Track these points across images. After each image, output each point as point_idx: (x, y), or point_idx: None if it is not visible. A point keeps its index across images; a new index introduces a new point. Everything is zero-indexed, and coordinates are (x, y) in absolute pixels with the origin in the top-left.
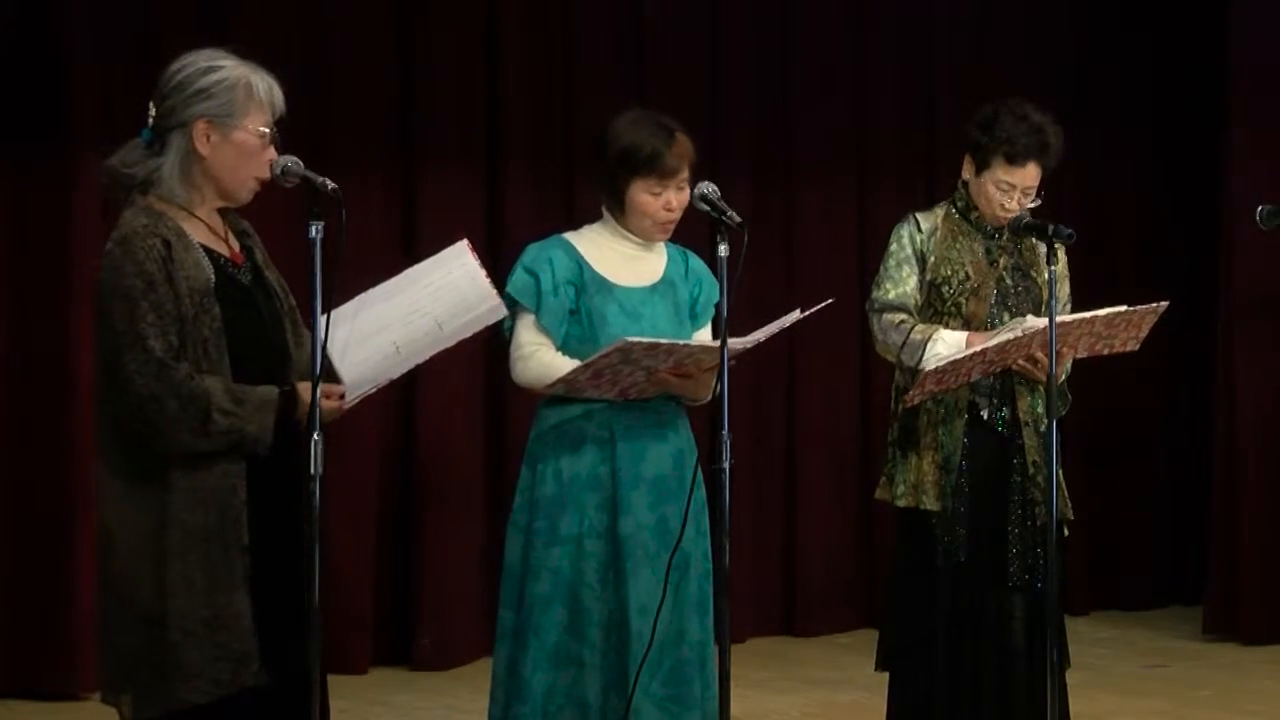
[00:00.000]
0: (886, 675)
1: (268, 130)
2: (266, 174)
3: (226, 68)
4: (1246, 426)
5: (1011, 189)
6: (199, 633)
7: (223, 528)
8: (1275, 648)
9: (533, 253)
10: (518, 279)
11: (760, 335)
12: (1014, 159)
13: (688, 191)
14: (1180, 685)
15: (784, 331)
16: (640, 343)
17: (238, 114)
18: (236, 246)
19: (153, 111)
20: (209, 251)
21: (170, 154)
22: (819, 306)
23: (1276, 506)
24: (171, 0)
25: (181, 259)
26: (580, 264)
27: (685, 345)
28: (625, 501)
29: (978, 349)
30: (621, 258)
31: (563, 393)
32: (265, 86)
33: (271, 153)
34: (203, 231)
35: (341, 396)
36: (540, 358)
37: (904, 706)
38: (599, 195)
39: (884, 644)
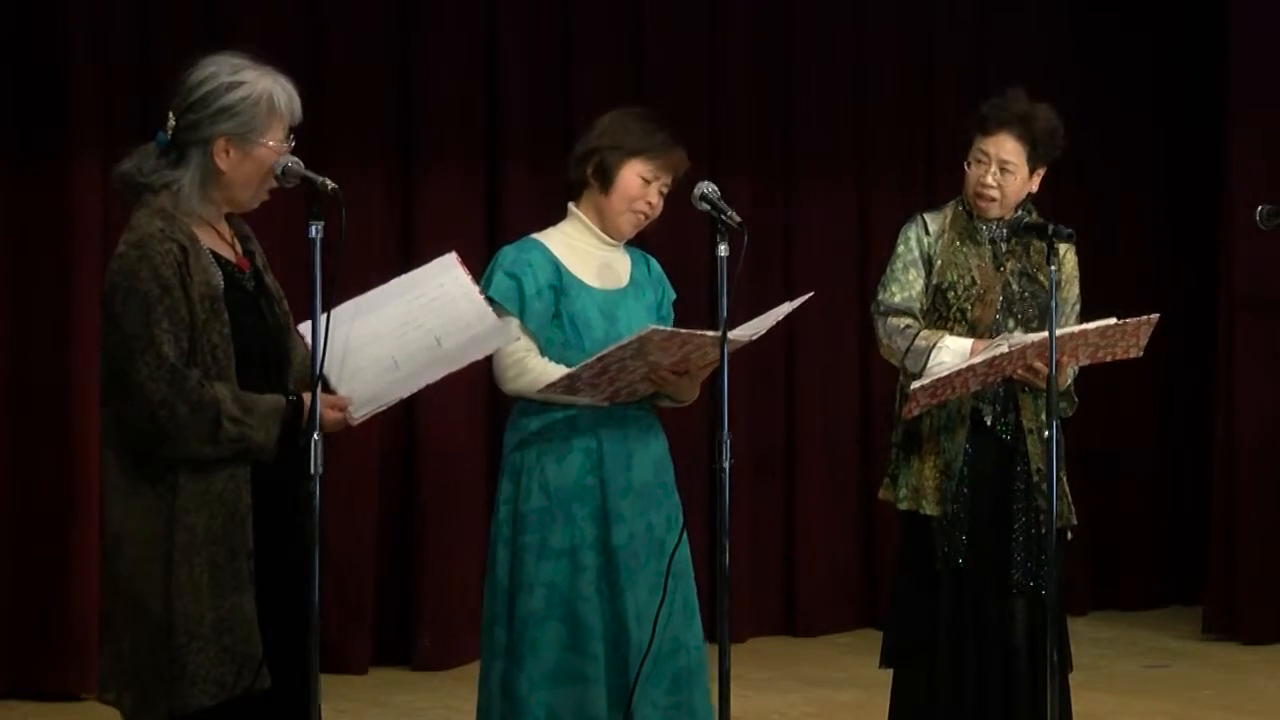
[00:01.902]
0: (887, 675)
1: (286, 144)
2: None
3: (249, 82)
4: (1246, 426)
5: (986, 159)
6: (206, 636)
7: (228, 531)
8: (1275, 648)
9: (510, 255)
10: (500, 283)
11: (760, 328)
12: (985, 127)
13: (662, 201)
14: (1181, 685)
15: (784, 332)
16: (662, 331)
17: (259, 131)
18: (241, 252)
19: (171, 121)
20: (217, 257)
21: (189, 168)
22: (803, 298)
23: (1276, 506)
24: (171, 1)
25: (194, 264)
26: (558, 267)
27: (701, 335)
28: (616, 511)
29: (963, 365)
30: (594, 260)
31: (557, 395)
32: (286, 98)
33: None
34: (212, 238)
35: (344, 409)
36: (531, 363)
37: (905, 707)
38: (575, 185)
39: (888, 642)
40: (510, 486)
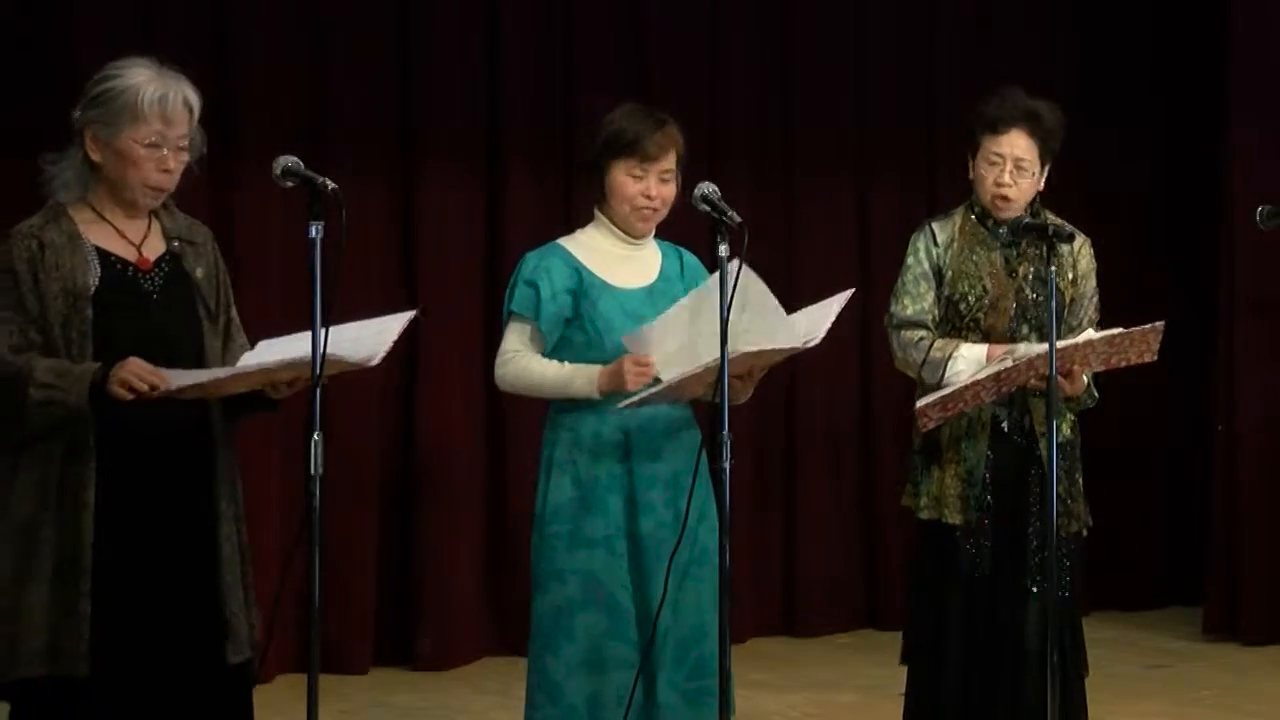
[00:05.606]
0: (886, 675)
1: (154, 141)
2: (164, 184)
3: (123, 77)
4: (1247, 427)
5: (1000, 160)
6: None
7: (58, 523)
8: (1275, 648)
9: (531, 263)
10: (520, 294)
11: (816, 331)
12: (995, 127)
13: (673, 186)
14: (1181, 686)
15: None
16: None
17: (119, 124)
18: (156, 252)
19: (75, 114)
20: (107, 255)
21: (73, 156)
22: (848, 293)
23: (1276, 506)
24: (173, 3)
25: (61, 260)
26: (578, 270)
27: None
28: (644, 501)
29: (969, 381)
30: (617, 259)
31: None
32: (155, 98)
33: (167, 162)
34: (106, 234)
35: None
36: (518, 362)
37: (919, 708)
38: (589, 192)
39: (906, 644)
40: (545, 480)
